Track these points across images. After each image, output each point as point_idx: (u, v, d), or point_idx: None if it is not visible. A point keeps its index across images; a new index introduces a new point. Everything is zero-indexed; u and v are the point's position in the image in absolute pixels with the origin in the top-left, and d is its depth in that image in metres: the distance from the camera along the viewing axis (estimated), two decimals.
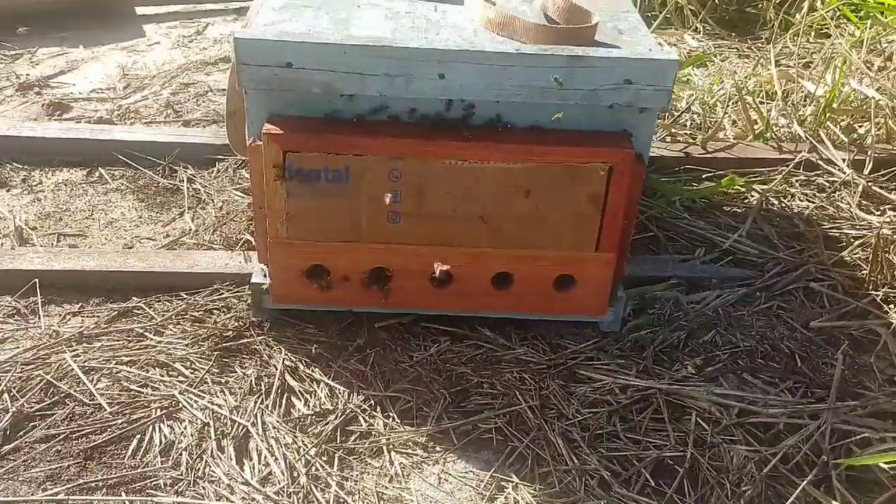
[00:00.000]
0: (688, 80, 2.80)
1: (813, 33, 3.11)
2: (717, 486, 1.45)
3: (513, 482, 1.46)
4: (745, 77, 2.76)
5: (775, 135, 2.43)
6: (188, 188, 2.19)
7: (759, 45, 3.17)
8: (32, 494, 1.39)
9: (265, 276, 1.67)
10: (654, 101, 1.46)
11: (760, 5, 3.44)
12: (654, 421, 1.58)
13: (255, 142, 1.50)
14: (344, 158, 1.49)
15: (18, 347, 1.66)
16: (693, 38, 3.19)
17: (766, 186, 2.23)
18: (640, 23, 1.65)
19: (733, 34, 3.30)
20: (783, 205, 2.20)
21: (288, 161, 1.48)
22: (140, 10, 3.47)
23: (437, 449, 1.52)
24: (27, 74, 2.87)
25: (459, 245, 1.59)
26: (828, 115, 2.43)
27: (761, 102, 2.59)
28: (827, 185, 2.28)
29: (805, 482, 1.43)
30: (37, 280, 1.78)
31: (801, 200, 2.23)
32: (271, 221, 1.56)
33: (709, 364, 1.70)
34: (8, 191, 2.17)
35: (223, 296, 1.79)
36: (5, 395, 1.55)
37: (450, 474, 1.48)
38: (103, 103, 2.68)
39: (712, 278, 1.90)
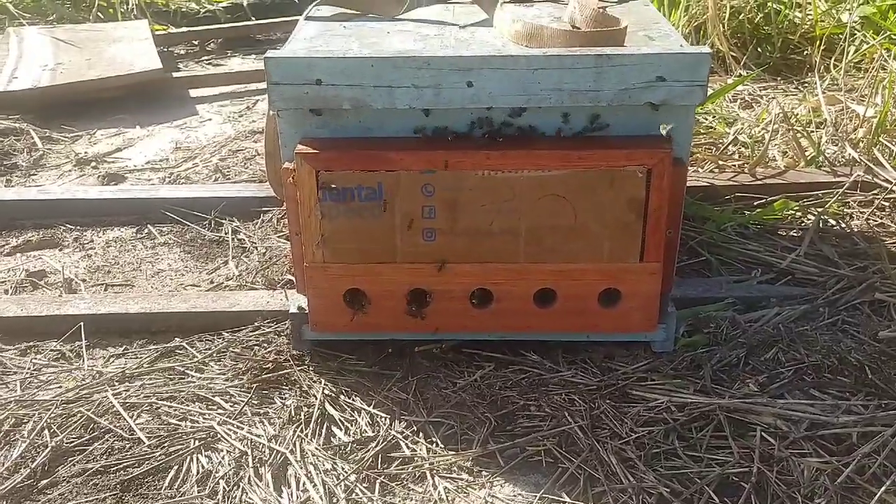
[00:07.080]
0: (735, 118, 2.76)
1: (858, 71, 3.05)
2: (788, 500, 1.33)
3: (564, 503, 1.36)
4: (793, 107, 2.70)
5: (828, 159, 2.35)
6: (233, 239, 2.21)
7: (806, 85, 3.12)
8: None
9: (305, 304, 1.64)
10: (689, 97, 1.42)
11: (805, 51, 3.41)
12: (716, 438, 1.47)
13: (288, 164, 1.51)
14: (376, 175, 1.48)
15: (61, 388, 1.65)
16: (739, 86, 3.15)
17: (822, 208, 2.14)
18: (673, 31, 1.64)
19: (778, 78, 3.26)
20: (841, 225, 2.10)
21: (321, 180, 1.48)
22: (193, 93, 3.62)
23: (483, 473, 1.44)
24: (85, 152, 2.98)
25: (498, 261, 1.54)
26: (880, 134, 2.35)
27: (811, 130, 2.52)
28: (886, 203, 2.18)
29: (882, 490, 1.30)
30: (81, 324, 1.79)
31: (860, 220, 2.13)
32: (307, 246, 1.55)
33: (773, 381, 1.60)
34: (60, 250, 2.22)
35: (264, 332, 1.77)
36: (45, 432, 1.54)
37: (497, 498, 1.39)
38: (156, 172, 2.76)
39: (770, 297, 1.80)
